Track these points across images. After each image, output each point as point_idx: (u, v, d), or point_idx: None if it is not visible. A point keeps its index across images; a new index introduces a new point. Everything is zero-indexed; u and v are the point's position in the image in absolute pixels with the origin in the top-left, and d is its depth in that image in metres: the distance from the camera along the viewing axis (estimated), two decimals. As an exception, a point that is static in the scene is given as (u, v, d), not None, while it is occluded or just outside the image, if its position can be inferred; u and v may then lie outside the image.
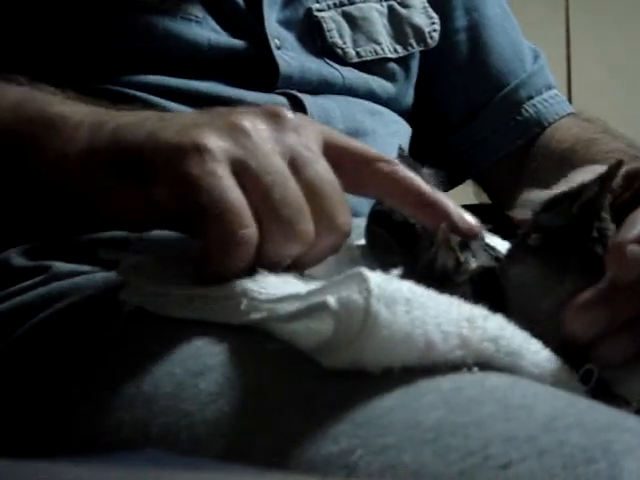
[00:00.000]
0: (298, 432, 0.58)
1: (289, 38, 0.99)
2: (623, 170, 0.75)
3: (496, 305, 0.62)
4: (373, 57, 1.05)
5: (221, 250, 0.64)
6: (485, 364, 0.59)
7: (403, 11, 1.08)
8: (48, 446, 0.70)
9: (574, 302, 0.61)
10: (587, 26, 2.59)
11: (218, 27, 0.94)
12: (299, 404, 0.60)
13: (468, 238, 0.67)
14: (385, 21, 1.07)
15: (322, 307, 0.58)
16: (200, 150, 0.64)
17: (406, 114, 1.09)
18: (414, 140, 1.08)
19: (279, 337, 0.63)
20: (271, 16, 0.98)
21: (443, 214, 0.67)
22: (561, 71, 2.54)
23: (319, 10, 1.02)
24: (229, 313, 0.66)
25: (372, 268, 0.59)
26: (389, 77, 1.06)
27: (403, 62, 1.08)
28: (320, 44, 1.02)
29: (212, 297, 0.68)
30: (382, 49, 1.05)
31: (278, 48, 0.97)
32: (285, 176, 0.64)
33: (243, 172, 0.64)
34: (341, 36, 1.03)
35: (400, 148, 0.79)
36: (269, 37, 0.96)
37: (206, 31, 0.93)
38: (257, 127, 0.66)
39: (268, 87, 0.96)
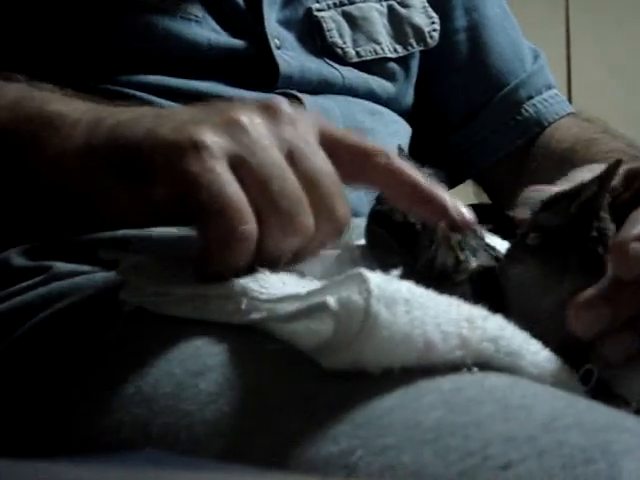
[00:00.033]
0: (298, 432, 0.58)
1: (289, 38, 0.99)
2: (623, 170, 0.75)
3: (496, 305, 0.62)
4: (373, 57, 1.05)
5: (222, 246, 0.64)
6: (485, 364, 0.59)
7: (403, 11, 1.08)
8: (48, 446, 0.70)
9: (576, 300, 0.61)
10: (587, 26, 2.59)
11: (218, 27, 0.94)
12: (299, 404, 0.60)
13: (464, 231, 0.67)
14: (385, 21, 1.07)
15: (322, 307, 0.58)
16: (198, 147, 0.64)
17: (406, 114, 1.09)
18: (414, 140, 1.08)
19: (279, 337, 0.63)
20: (271, 16, 0.98)
21: (440, 207, 0.67)
22: (561, 71, 2.54)
23: (319, 10, 1.02)
24: (229, 313, 0.66)
25: (372, 268, 0.59)
26: (389, 77, 1.06)
27: (403, 62, 1.08)
28: (320, 44, 1.02)
29: (212, 297, 0.68)
30: (382, 49, 1.05)
31: (278, 48, 0.97)
32: (283, 169, 0.64)
33: (241, 167, 0.64)
34: (341, 36, 1.03)
35: (399, 148, 0.79)
36: (269, 37, 0.96)
37: (206, 31, 0.93)
38: (254, 121, 0.66)
39: (268, 87, 0.96)
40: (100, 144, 0.70)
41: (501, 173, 1.13)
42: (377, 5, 1.06)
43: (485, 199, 1.16)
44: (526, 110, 1.12)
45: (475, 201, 1.17)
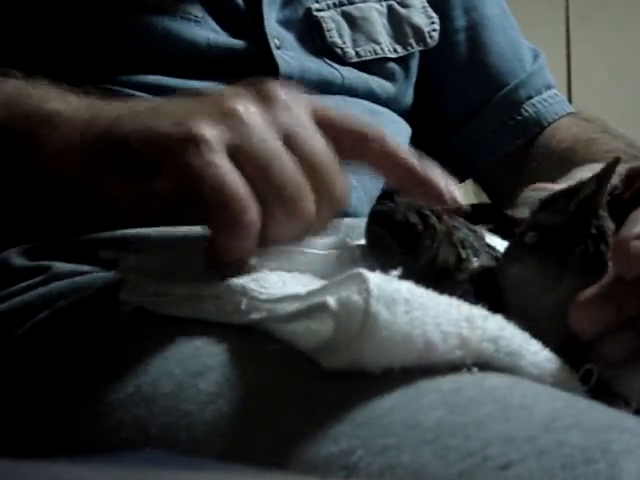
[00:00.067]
0: (298, 432, 0.58)
1: (289, 38, 0.99)
2: (624, 169, 0.75)
3: (496, 305, 0.62)
4: (373, 57, 1.05)
5: (228, 237, 0.65)
6: (485, 364, 0.59)
7: (403, 11, 1.08)
8: (48, 446, 0.70)
9: (577, 299, 0.61)
10: (587, 26, 2.59)
11: (217, 27, 0.94)
12: (299, 404, 0.60)
13: (455, 215, 0.68)
14: (385, 21, 1.07)
15: (322, 307, 0.58)
16: (197, 141, 0.64)
17: (406, 114, 1.09)
18: (414, 140, 1.08)
19: (279, 337, 0.63)
20: (271, 16, 0.98)
21: (433, 190, 0.68)
22: (561, 71, 2.54)
23: (319, 10, 1.02)
24: (229, 313, 0.67)
25: (372, 268, 0.59)
26: (389, 77, 1.06)
27: (403, 62, 1.08)
28: (320, 44, 1.02)
29: (212, 296, 0.68)
30: (382, 49, 1.05)
31: (278, 48, 0.97)
32: (282, 156, 0.65)
33: (240, 156, 0.64)
34: (341, 36, 1.03)
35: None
36: (269, 37, 0.96)
37: (205, 31, 0.93)
38: (249, 110, 0.66)
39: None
40: (99, 141, 0.70)
41: (501, 173, 1.13)
42: (377, 5, 1.06)
43: (485, 199, 1.16)
44: (526, 110, 1.11)
45: (475, 201, 1.17)
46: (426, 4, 1.10)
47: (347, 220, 0.90)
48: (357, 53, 1.03)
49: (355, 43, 1.03)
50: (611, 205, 0.66)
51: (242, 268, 0.67)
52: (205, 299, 0.68)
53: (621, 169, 0.76)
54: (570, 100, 1.28)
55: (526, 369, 0.60)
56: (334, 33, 1.02)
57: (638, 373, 0.63)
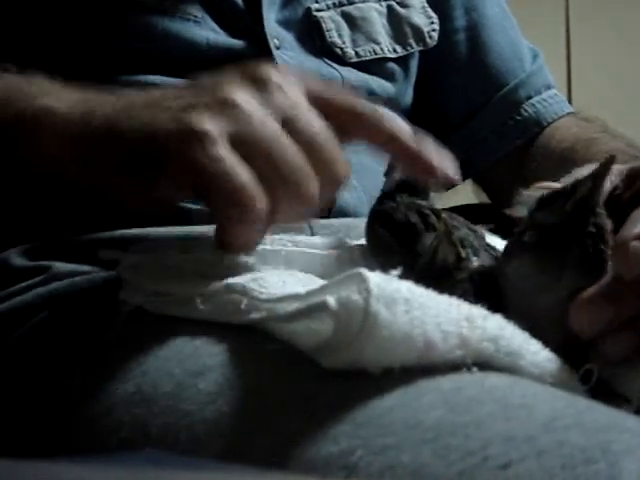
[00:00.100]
0: (298, 432, 0.58)
1: (288, 38, 0.99)
2: (624, 169, 0.75)
3: (496, 305, 0.62)
4: (372, 57, 1.05)
5: (238, 225, 0.66)
6: (485, 364, 0.59)
7: (402, 11, 1.08)
8: (48, 446, 0.70)
9: (579, 298, 0.61)
10: (587, 26, 2.59)
11: (217, 27, 0.94)
12: (299, 404, 0.60)
13: (446, 185, 0.70)
14: (384, 21, 1.07)
15: (322, 307, 0.58)
16: (199, 136, 0.65)
17: (405, 114, 1.09)
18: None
19: (279, 337, 0.63)
20: (270, 16, 0.98)
21: (426, 165, 0.70)
22: (561, 71, 2.54)
23: (318, 10, 1.02)
24: (229, 313, 0.67)
25: (372, 268, 0.59)
26: (388, 77, 1.06)
27: (402, 62, 1.08)
28: (319, 44, 1.02)
29: (212, 296, 0.68)
30: (381, 49, 1.05)
31: (277, 48, 0.97)
32: (283, 140, 0.66)
33: (243, 145, 0.65)
34: (340, 36, 1.03)
35: (387, 174, 0.79)
36: (268, 37, 0.96)
37: (205, 31, 0.93)
38: (245, 97, 0.67)
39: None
40: (97, 139, 0.70)
41: (500, 173, 1.13)
42: (376, 5, 1.06)
43: (485, 199, 1.16)
44: (525, 110, 1.11)
45: (475, 201, 1.17)
46: (425, 4, 1.10)
47: (347, 220, 0.90)
48: (357, 53, 1.03)
49: (355, 43, 1.03)
50: (611, 205, 0.66)
51: (252, 249, 0.69)
52: (205, 299, 0.68)
53: (622, 169, 0.76)
54: (570, 100, 1.28)
55: (526, 369, 0.60)
56: (334, 33, 1.02)
57: (638, 373, 0.63)
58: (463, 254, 0.66)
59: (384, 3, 1.07)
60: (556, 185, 0.70)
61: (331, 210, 0.93)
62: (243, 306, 0.65)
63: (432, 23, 1.10)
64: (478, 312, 0.60)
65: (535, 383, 0.59)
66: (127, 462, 0.47)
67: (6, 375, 0.76)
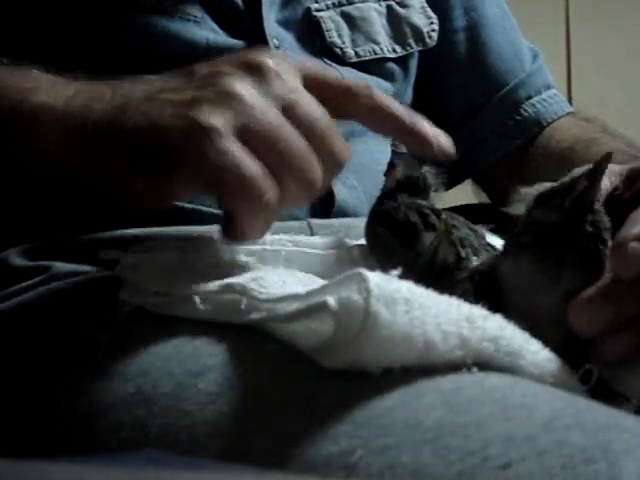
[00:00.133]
0: (298, 432, 0.58)
1: (288, 38, 0.99)
2: (623, 170, 0.75)
3: (496, 304, 0.62)
4: (372, 57, 1.05)
5: (249, 215, 0.67)
6: (485, 364, 0.59)
7: (402, 11, 1.08)
8: (48, 446, 0.70)
9: (579, 298, 0.61)
10: (587, 26, 2.59)
11: (217, 27, 0.94)
12: (299, 404, 0.60)
13: (442, 160, 0.72)
14: (384, 21, 1.06)
15: (322, 307, 0.58)
16: (207, 131, 0.65)
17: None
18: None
19: (279, 337, 0.63)
20: (270, 16, 0.98)
21: (421, 138, 0.72)
22: (561, 71, 2.54)
23: (318, 10, 1.02)
24: (229, 313, 0.67)
25: (372, 268, 0.59)
26: (388, 77, 1.06)
27: (402, 62, 1.08)
28: (319, 44, 1.02)
29: (212, 296, 0.68)
30: (381, 49, 1.05)
31: (277, 48, 0.97)
32: (286, 128, 0.67)
33: (248, 137, 0.66)
34: (340, 36, 1.03)
35: (394, 144, 0.80)
36: (268, 37, 0.96)
37: (204, 31, 0.93)
38: (246, 88, 0.68)
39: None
40: (96, 134, 0.70)
41: (500, 173, 1.13)
42: (376, 5, 1.06)
43: (485, 199, 1.16)
44: (525, 110, 1.11)
45: (475, 201, 1.17)
46: (425, 4, 1.10)
47: (347, 220, 0.90)
48: (356, 53, 1.03)
49: (354, 43, 1.03)
50: (611, 206, 0.66)
51: (261, 238, 0.70)
52: (205, 299, 0.68)
53: (621, 169, 0.76)
54: (570, 100, 1.28)
55: (526, 369, 0.60)
56: (333, 33, 1.02)
57: (638, 372, 0.63)
58: (463, 254, 0.66)
59: (383, 3, 1.07)
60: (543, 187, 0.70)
61: (331, 210, 0.93)
62: (243, 306, 0.65)
63: (432, 23, 1.09)
64: (478, 312, 0.60)
65: (535, 383, 0.59)
66: (127, 462, 0.48)
67: (6, 375, 0.76)
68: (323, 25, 1.02)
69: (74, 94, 0.73)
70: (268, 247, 0.74)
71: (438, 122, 1.13)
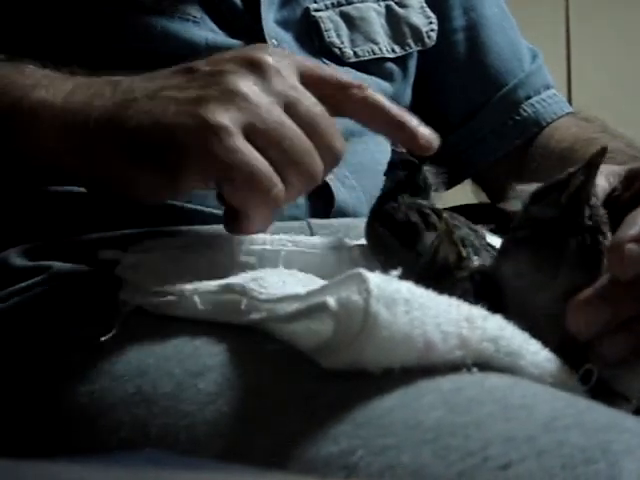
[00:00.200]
0: (298, 432, 0.58)
1: (287, 38, 0.99)
2: (622, 171, 0.75)
3: (496, 304, 0.62)
4: (371, 57, 1.05)
5: (257, 209, 0.69)
6: (485, 364, 0.59)
7: (401, 11, 1.08)
8: (48, 446, 0.70)
9: (576, 299, 0.61)
10: (587, 26, 2.59)
11: (216, 27, 0.94)
12: (299, 404, 0.60)
13: (427, 153, 0.75)
14: (383, 21, 1.06)
15: (322, 308, 0.58)
16: (215, 129, 0.67)
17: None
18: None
19: (279, 337, 0.63)
20: (269, 16, 0.98)
21: (410, 134, 0.75)
22: (561, 71, 2.54)
23: (317, 10, 1.02)
24: (229, 313, 0.67)
25: (372, 268, 0.59)
26: (387, 77, 1.06)
27: (401, 62, 1.08)
28: (318, 44, 1.02)
29: (212, 296, 0.68)
30: (380, 49, 1.05)
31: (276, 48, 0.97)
32: (289, 125, 0.69)
33: (254, 134, 0.68)
34: (339, 36, 1.03)
35: (394, 144, 0.80)
36: (267, 37, 0.96)
37: (203, 31, 0.93)
38: (250, 86, 0.69)
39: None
40: (97, 131, 0.71)
41: (500, 173, 1.12)
42: (375, 5, 1.06)
43: (484, 199, 1.16)
44: (524, 110, 1.11)
45: (475, 201, 1.17)
46: (424, 4, 1.10)
47: (346, 220, 0.90)
48: (355, 53, 1.03)
49: (353, 43, 1.03)
50: (610, 206, 0.66)
51: (265, 229, 0.73)
52: (205, 299, 0.68)
53: (620, 170, 0.76)
54: (570, 100, 1.28)
55: (526, 369, 0.60)
56: (332, 33, 1.02)
57: (637, 372, 0.63)
58: (464, 253, 0.66)
59: (382, 3, 1.07)
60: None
61: (331, 210, 0.93)
62: (243, 306, 0.65)
63: (431, 23, 1.09)
64: (478, 312, 0.60)
65: (535, 383, 0.59)
66: (127, 462, 0.48)
67: (6, 375, 0.76)
68: (322, 25, 1.02)
69: (72, 90, 0.74)
70: (268, 247, 0.74)
71: (437, 122, 1.13)
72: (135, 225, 0.82)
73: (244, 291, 0.65)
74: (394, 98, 1.07)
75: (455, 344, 0.58)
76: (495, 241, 0.72)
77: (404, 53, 1.07)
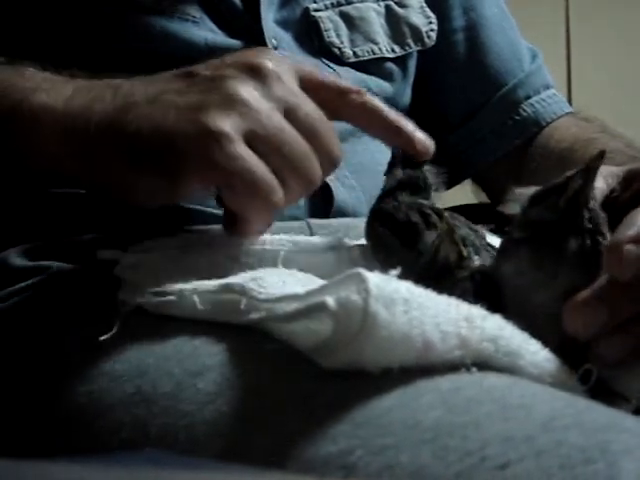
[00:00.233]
0: (297, 432, 0.58)
1: (286, 38, 0.99)
2: (621, 171, 0.75)
3: (496, 304, 0.62)
4: (370, 57, 1.05)
5: (257, 214, 0.70)
6: (484, 364, 0.59)
7: (400, 11, 1.08)
8: (48, 446, 0.70)
9: (573, 300, 0.61)
10: (587, 26, 2.59)
11: (215, 27, 0.94)
12: (298, 404, 0.60)
13: (422, 158, 0.76)
14: (382, 21, 1.06)
15: (321, 307, 0.58)
16: (216, 136, 0.67)
17: (404, 114, 1.09)
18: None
19: (278, 337, 0.63)
20: (268, 16, 0.98)
21: (407, 139, 0.76)
22: (561, 71, 2.54)
23: (316, 10, 1.02)
24: (228, 313, 0.67)
25: (372, 268, 0.59)
26: (386, 77, 1.06)
27: (400, 62, 1.08)
28: (317, 44, 1.02)
29: (211, 296, 0.68)
30: (379, 49, 1.05)
31: (275, 48, 0.97)
32: (289, 131, 0.70)
33: (255, 140, 0.68)
34: (338, 36, 1.03)
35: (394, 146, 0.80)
36: (266, 37, 0.96)
37: (203, 31, 0.93)
38: (250, 90, 0.70)
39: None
40: (98, 136, 0.71)
41: (500, 173, 1.13)
42: (374, 5, 1.06)
43: (484, 199, 1.16)
44: (524, 110, 1.11)
45: (475, 201, 1.17)
46: (424, 4, 1.10)
47: (346, 220, 0.90)
48: (355, 53, 1.03)
49: (353, 43, 1.03)
50: (609, 207, 0.66)
51: (264, 231, 0.74)
52: (204, 299, 0.68)
53: (619, 171, 0.76)
54: (570, 100, 1.28)
55: (525, 369, 0.60)
56: (332, 33, 1.02)
57: (636, 373, 0.63)
58: (465, 253, 0.66)
59: (382, 3, 1.07)
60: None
61: (330, 210, 0.93)
62: (242, 306, 0.65)
63: (430, 23, 1.09)
64: (477, 312, 0.60)
65: (534, 383, 0.60)
66: (127, 462, 0.48)
67: (6, 375, 0.76)
68: (321, 25, 1.02)
69: (72, 94, 0.74)
70: (268, 247, 0.74)
71: (437, 122, 1.14)
72: (135, 225, 0.82)
73: (243, 291, 0.65)
74: (394, 98, 1.07)
75: (454, 344, 0.58)
76: (495, 241, 0.72)
77: (404, 53, 1.07)
